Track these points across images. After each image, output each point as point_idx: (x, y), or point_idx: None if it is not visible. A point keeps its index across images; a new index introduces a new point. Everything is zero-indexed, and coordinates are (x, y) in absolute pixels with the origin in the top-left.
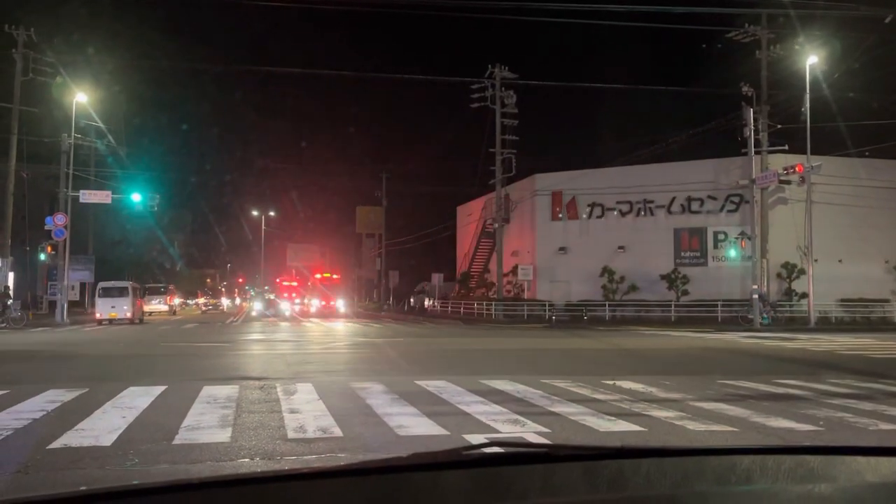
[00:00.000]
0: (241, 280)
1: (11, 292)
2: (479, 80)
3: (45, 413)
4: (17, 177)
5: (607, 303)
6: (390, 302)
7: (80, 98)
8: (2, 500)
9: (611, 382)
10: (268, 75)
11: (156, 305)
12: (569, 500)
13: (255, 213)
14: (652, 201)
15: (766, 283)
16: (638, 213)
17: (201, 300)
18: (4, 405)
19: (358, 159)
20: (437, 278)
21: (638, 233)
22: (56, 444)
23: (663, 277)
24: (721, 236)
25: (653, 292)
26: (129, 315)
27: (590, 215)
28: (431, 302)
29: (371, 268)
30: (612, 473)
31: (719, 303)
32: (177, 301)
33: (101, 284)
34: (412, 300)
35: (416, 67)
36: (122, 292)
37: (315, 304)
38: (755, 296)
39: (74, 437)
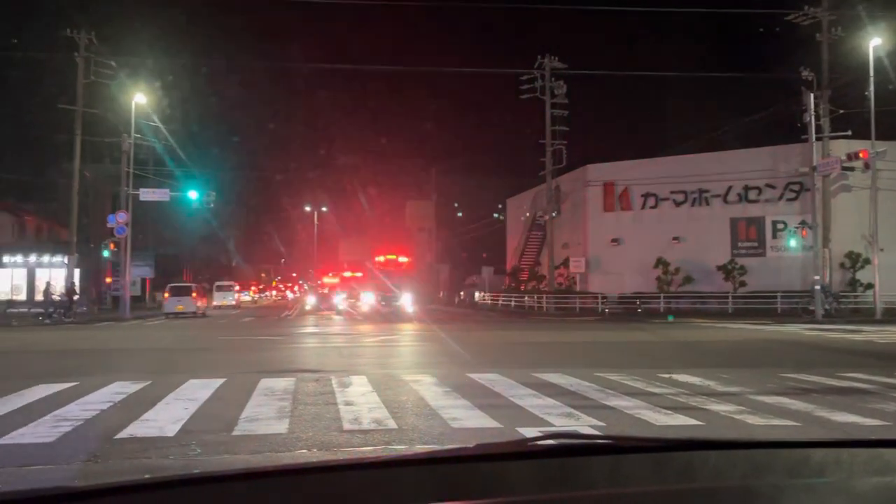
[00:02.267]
0: (294, 275)
1: (77, 288)
2: (529, 71)
3: (111, 404)
4: (80, 176)
5: (662, 295)
6: (441, 295)
7: (139, 99)
8: (74, 486)
9: (666, 376)
10: (318, 72)
11: (225, 300)
12: (637, 490)
13: (307, 208)
14: (707, 191)
15: (828, 274)
16: (693, 203)
17: (273, 293)
18: (74, 396)
19: (408, 154)
20: (487, 271)
21: (693, 223)
22: (123, 434)
23: (720, 268)
24: (780, 226)
25: (709, 284)
26: (192, 309)
27: (643, 206)
28: (482, 295)
29: (421, 262)
30: (680, 465)
31: (779, 294)
32: (245, 296)
33: (171, 285)
34: (462, 293)
35: (465, 60)
36: (187, 291)
37: (366, 299)
38: (817, 287)
39: (140, 428)
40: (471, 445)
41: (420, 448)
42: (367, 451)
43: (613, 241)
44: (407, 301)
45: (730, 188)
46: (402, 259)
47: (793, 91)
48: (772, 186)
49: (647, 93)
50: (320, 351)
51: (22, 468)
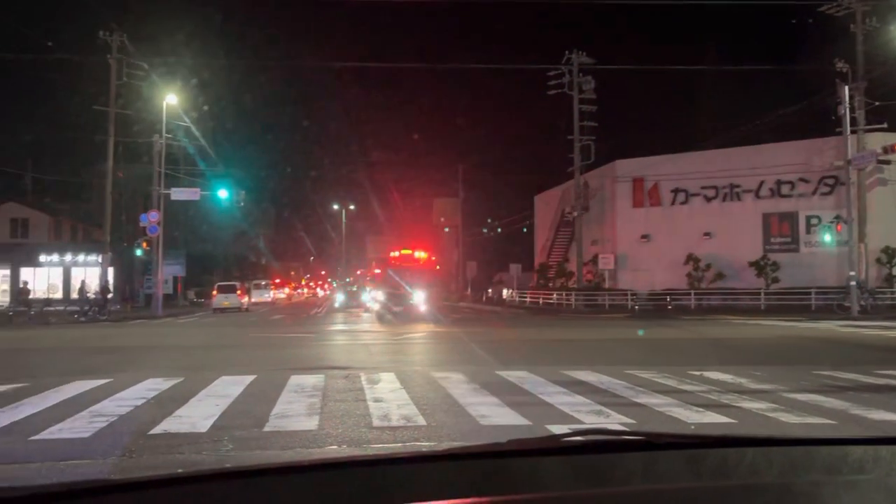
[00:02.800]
0: (323, 272)
1: (111, 287)
2: (556, 67)
3: (145, 400)
4: (113, 177)
5: (692, 291)
6: (468, 292)
7: (171, 99)
8: (114, 480)
9: (697, 373)
10: (347, 71)
11: (262, 297)
12: (672, 486)
13: (335, 206)
14: (739, 186)
15: (864, 269)
16: (724, 199)
17: (305, 290)
18: (109, 393)
19: (435, 151)
20: (515, 269)
21: (724, 218)
22: (156, 430)
23: (752, 264)
24: (814, 220)
25: (740, 280)
26: (237, 305)
27: (673, 201)
28: (510, 292)
29: (449, 259)
30: (715, 462)
31: (813, 290)
32: (280, 294)
33: (218, 284)
34: (490, 291)
35: (492, 56)
36: (232, 289)
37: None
38: (852, 282)
39: (173, 424)
40: (503, 442)
41: (450, 445)
42: (398, 448)
43: (643, 237)
44: (420, 300)
45: (762, 183)
46: (420, 254)
47: (827, 83)
48: (805, 181)
49: (677, 87)
50: (349, 348)
51: (59, 463)
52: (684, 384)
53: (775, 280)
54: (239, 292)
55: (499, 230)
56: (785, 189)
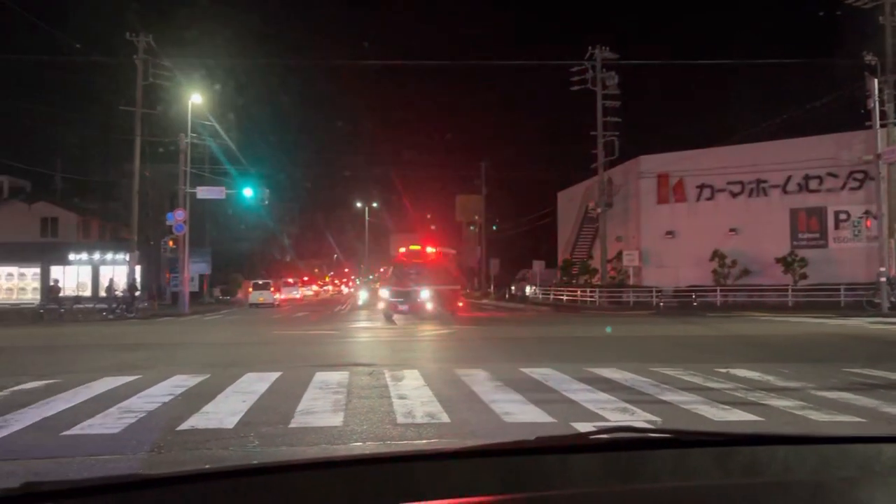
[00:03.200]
0: (346, 270)
1: (138, 284)
2: (580, 63)
3: (172, 397)
4: (140, 176)
5: (718, 288)
6: (492, 290)
7: (195, 99)
8: (146, 475)
9: (724, 370)
10: (370, 69)
11: (291, 294)
12: (703, 484)
13: (358, 204)
14: (766, 181)
15: (894, 265)
16: (750, 194)
17: (330, 288)
18: (137, 389)
19: (458, 149)
20: (538, 265)
21: (751, 214)
22: (184, 426)
23: (779, 260)
24: (843, 216)
25: (767, 276)
26: (270, 301)
27: (698, 197)
28: (533, 289)
29: (471, 256)
30: (746, 459)
31: (842, 287)
32: (308, 291)
33: (254, 282)
34: (513, 288)
35: (515, 53)
36: (266, 286)
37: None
38: (883, 279)
39: (200, 420)
40: (531, 439)
41: (476, 442)
42: (424, 444)
43: (668, 233)
44: (426, 297)
45: (789, 178)
46: (429, 249)
47: (856, 77)
48: (834, 175)
49: (702, 81)
50: (372, 345)
51: (90, 458)
52: (710, 381)
53: (803, 276)
54: (272, 289)
55: (522, 227)
56: (813, 184)
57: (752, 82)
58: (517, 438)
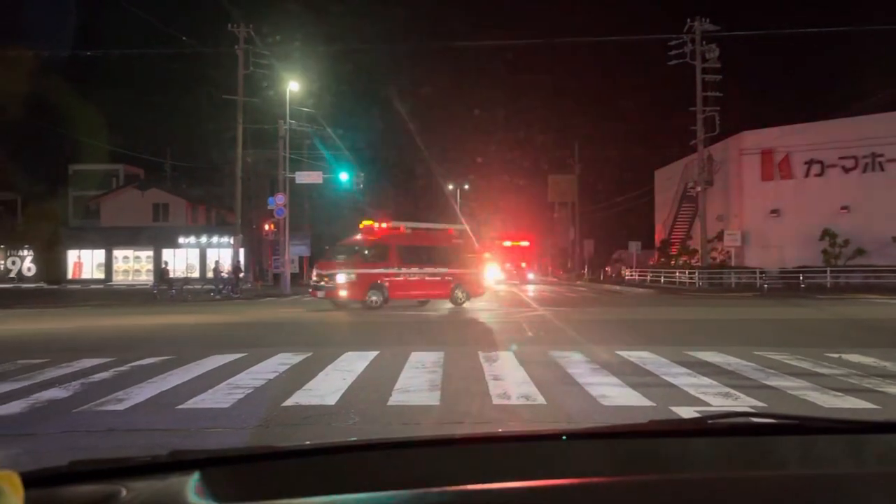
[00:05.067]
0: None
1: (242, 266)
2: (678, 36)
3: (277, 374)
4: (242, 162)
5: (828, 269)
6: (585, 271)
7: (293, 86)
8: (275, 448)
9: (835, 355)
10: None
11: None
12: (835, 472)
13: (450, 186)
14: (882, 155)
15: None
16: (864, 169)
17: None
18: (244, 366)
19: (551, 128)
20: (634, 246)
21: (864, 191)
22: (289, 402)
23: None
24: None
25: (883, 256)
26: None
27: (807, 174)
28: (629, 271)
29: (564, 236)
30: (879, 448)
31: None
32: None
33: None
34: (608, 269)
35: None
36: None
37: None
38: None
39: (304, 397)
40: (644, 422)
41: (570, 425)
42: (519, 426)
43: (772, 212)
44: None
45: None
46: (524, 243)
47: None
48: None
49: (809, 51)
50: (465, 326)
51: (204, 430)
52: (820, 367)
53: None
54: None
55: (617, 207)
56: None
57: (864, 51)
58: (614, 422)
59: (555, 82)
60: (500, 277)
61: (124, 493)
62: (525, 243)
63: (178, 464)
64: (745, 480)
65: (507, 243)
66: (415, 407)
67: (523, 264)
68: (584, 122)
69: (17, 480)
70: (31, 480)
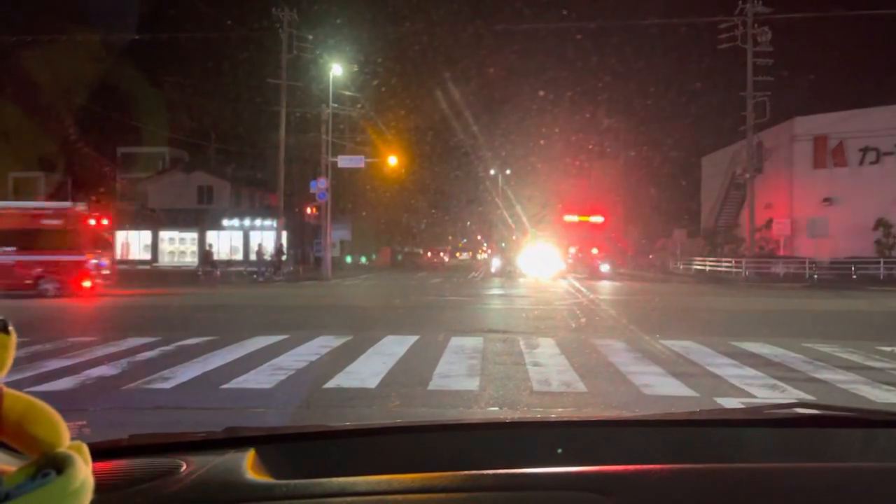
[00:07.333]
0: (479, 237)
1: (285, 249)
2: (729, 19)
3: (318, 356)
4: (285, 146)
5: (882, 260)
6: (629, 258)
7: (336, 71)
8: (328, 427)
9: (888, 349)
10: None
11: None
12: None
13: (492, 171)
14: None
15: None
16: None
17: (468, 253)
18: (286, 348)
19: (597, 112)
20: (679, 234)
21: None
22: (330, 384)
23: None
24: None
25: None
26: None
27: (861, 161)
28: (674, 259)
29: (606, 224)
30: None
31: None
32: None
33: (430, 248)
34: (652, 256)
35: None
36: (437, 252)
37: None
38: None
39: (345, 379)
40: (696, 411)
41: (616, 413)
42: (562, 412)
43: (825, 200)
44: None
45: None
46: (595, 218)
47: None
48: None
49: (864, 34)
50: (506, 312)
51: (247, 409)
52: (871, 360)
53: None
54: (443, 254)
55: (662, 194)
56: None
57: None
58: (657, 410)
59: (602, 64)
60: (559, 267)
61: (184, 466)
62: (598, 218)
63: (234, 440)
64: (805, 471)
65: (573, 218)
66: (455, 392)
67: (594, 250)
68: (630, 106)
69: (87, 450)
70: (94, 452)
